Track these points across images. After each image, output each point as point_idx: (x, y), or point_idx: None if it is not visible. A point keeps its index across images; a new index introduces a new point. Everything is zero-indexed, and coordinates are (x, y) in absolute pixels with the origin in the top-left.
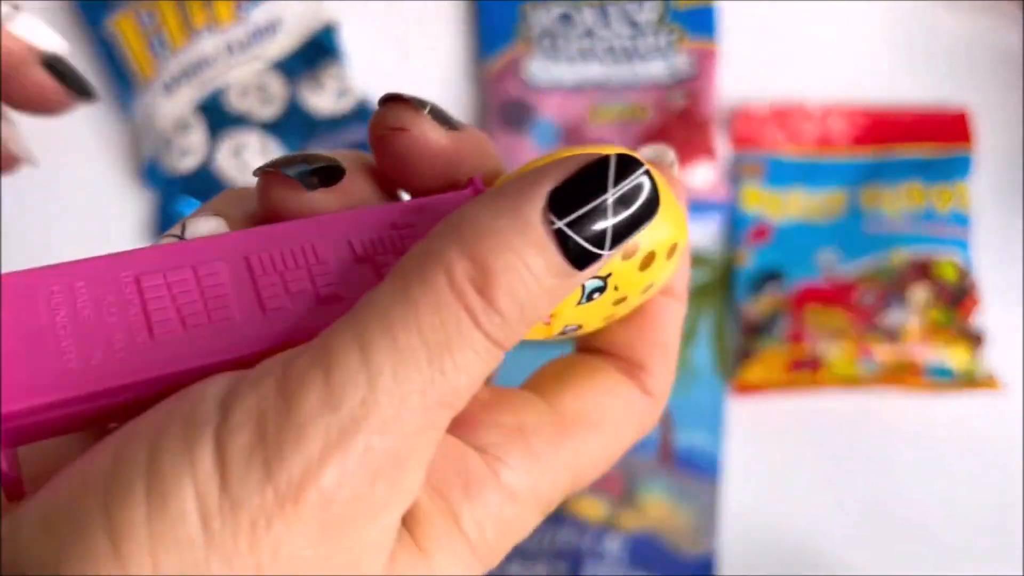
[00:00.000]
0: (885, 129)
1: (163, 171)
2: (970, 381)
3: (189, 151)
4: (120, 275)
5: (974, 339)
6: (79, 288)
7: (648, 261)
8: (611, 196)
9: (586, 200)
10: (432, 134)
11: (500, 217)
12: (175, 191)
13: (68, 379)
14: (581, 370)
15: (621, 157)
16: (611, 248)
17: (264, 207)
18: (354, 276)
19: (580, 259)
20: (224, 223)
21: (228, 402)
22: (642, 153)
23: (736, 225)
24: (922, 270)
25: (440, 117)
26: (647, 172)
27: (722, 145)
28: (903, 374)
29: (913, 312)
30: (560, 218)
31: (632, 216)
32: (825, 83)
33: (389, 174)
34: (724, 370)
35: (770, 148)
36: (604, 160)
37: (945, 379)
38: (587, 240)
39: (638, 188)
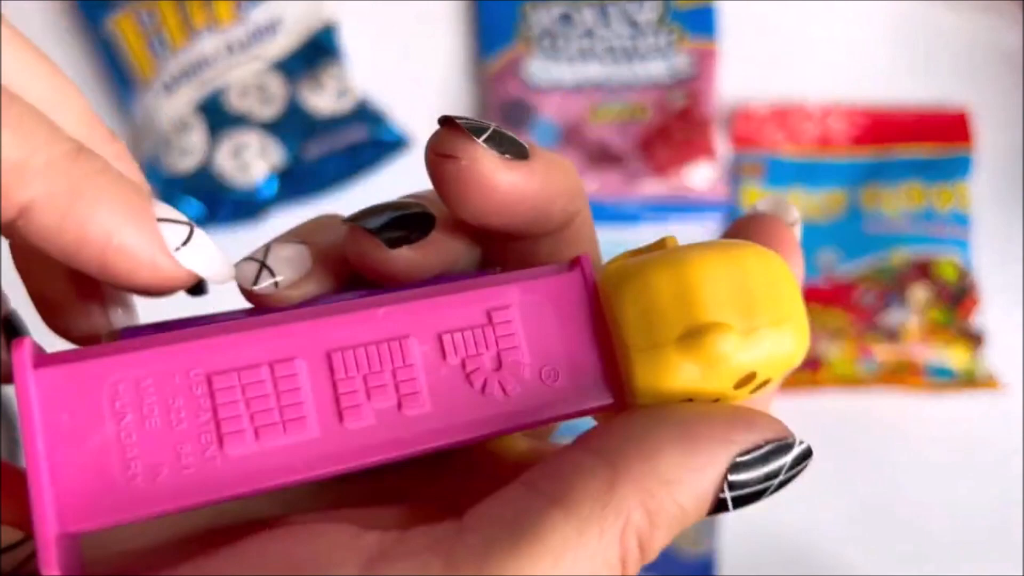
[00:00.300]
0: (885, 129)
1: (163, 171)
2: (970, 381)
3: (189, 151)
4: (191, 370)
5: (974, 339)
6: (146, 386)
7: (762, 386)
8: (777, 483)
9: (758, 483)
10: (488, 165)
11: (686, 476)
12: (175, 191)
13: (133, 500)
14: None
15: (804, 451)
16: (736, 508)
17: (350, 259)
18: (443, 384)
19: (723, 510)
20: (308, 251)
21: None
22: (761, 206)
23: None
24: (922, 270)
25: (502, 143)
26: (808, 454)
27: (722, 145)
28: (903, 374)
29: (913, 312)
30: (731, 490)
31: (776, 489)
32: (825, 83)
33: (456, 211)
34: None
35: (770, 148)
36: (789, 446)
37: (945, 379)
38: (751, 499)
39: (798, 472)
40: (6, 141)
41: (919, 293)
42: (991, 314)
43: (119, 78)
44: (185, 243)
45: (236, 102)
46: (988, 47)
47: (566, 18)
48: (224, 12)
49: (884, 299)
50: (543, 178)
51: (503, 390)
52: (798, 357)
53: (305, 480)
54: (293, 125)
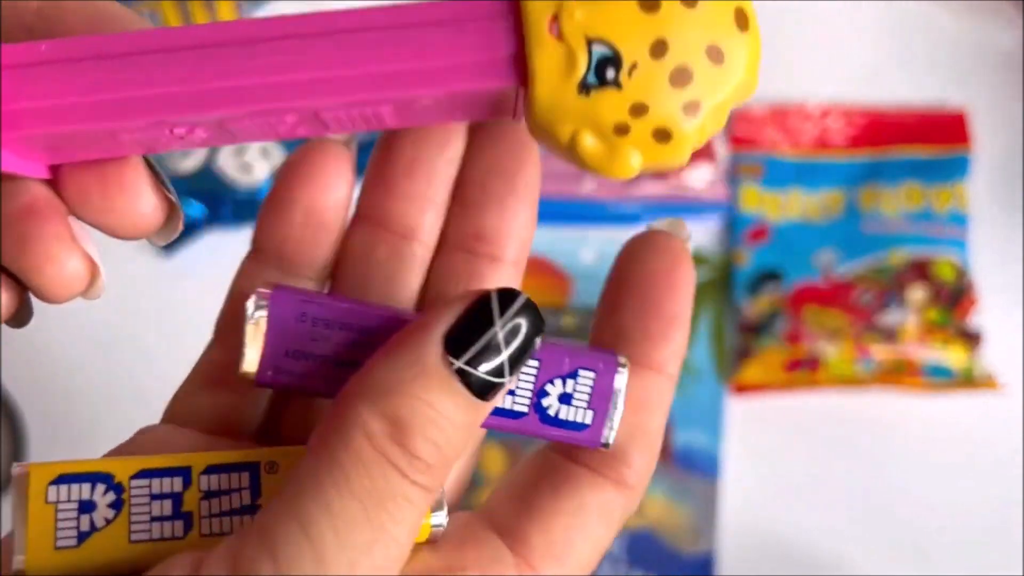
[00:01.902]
0: (883, 130)
1: (165, 172)
2: (968, 381)
3: (191, 152)
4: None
5: (972, 339)
6: None
7: (683, 78)
8: (500, 330)
9: (478, 338)
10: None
11: (403, 369)
12: (177, 192)
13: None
14: (548, 488)
15: (501, 293)
16: (511, 374)
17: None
18: None
19: (484, 390)
20: None
21: None
22: (655, 226)
23: (735, 225)
24: (920, 270)
25: None
26: (526, 302)
27: (721, 145)
28: (901, 374)
29: (911, 312)
30: (458, 358)
31: (523, 343)
32: (824, 84)
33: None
34: (723, 370)
35: (769, 148)
36: (487, 297)
37: (943, 379)
38: (488, 373)
39: (523, 315)
40: None
41: (917, 293)
42: (989, 314)
43: None
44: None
45: None
46: (987, 48)
47: None
48: (225, 14)
49: (882, 299)
50: None
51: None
52: None
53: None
54: None
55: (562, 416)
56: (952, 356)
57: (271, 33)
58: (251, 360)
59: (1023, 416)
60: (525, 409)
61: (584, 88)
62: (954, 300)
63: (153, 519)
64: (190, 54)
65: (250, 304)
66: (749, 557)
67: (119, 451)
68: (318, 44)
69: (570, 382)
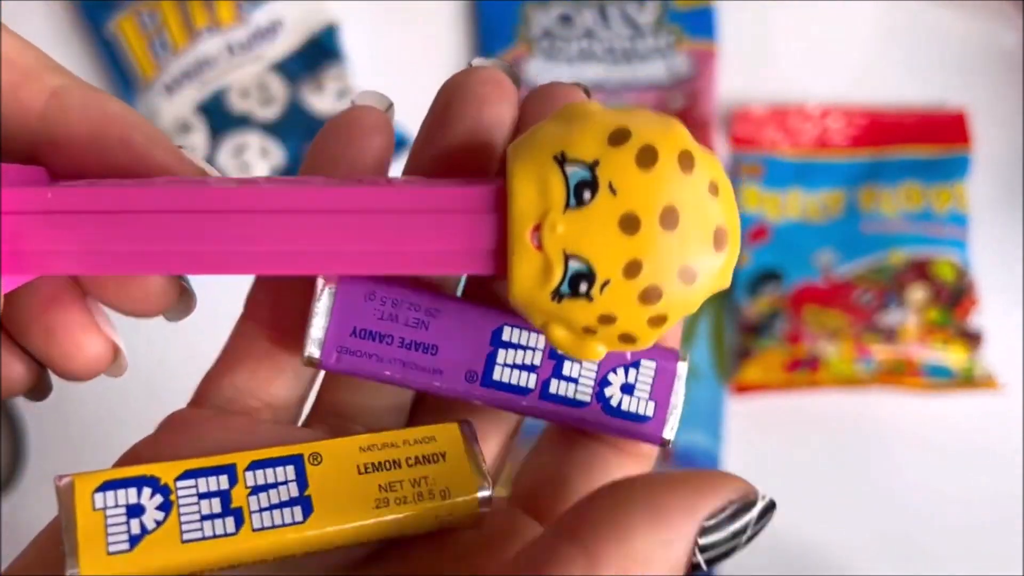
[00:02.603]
0: (883, 130)
1: None
2: (968, 381)
3: (191, 151)
4: None
5: (972, 339)
6: None
7: (648, 158)
8: (745, 539)
9: (727, 542)
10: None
11: (658, 551)
12: None
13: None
14: (578, 471)
15: (767, 505)
16: (709, 568)
17: None
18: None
19: (693, 569)
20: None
21: None
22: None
23: None
24: (920, 270)
25: None
26: (770, 506)
27: (721, 146)
28: (901, 374)
29: (911, 312)
30: (703, 553)
31: (748, 541)
32: (824, 84)
33: None
34: (723, 370)
35: (769, 149)
36: (752, 503)
37: (943, 379)
38: (707, 565)
39: (766, 522)
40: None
41: (917, 293)
42: (989, 314)
43: (121, 79)
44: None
45: (237, 103)
46: (987, 48)
47: (566, 19)
48: (225, 13)
49: (882, 299)
50: None
51: (372, 183)
52: (677, 129)
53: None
54: (294, 126)
55: (624, 407)
56: (952, 356)
57: (271, 205)
58: (316, 339)
59: (1023, 416)
60: (588, 399)
61: (557, 296)
62: (954, 300)
63: (203, 517)
64: (193, 217)
65: (319, 282)
66: (749, 558)
67: (156, 441)
68: (316, 220)
69: (632, 371)
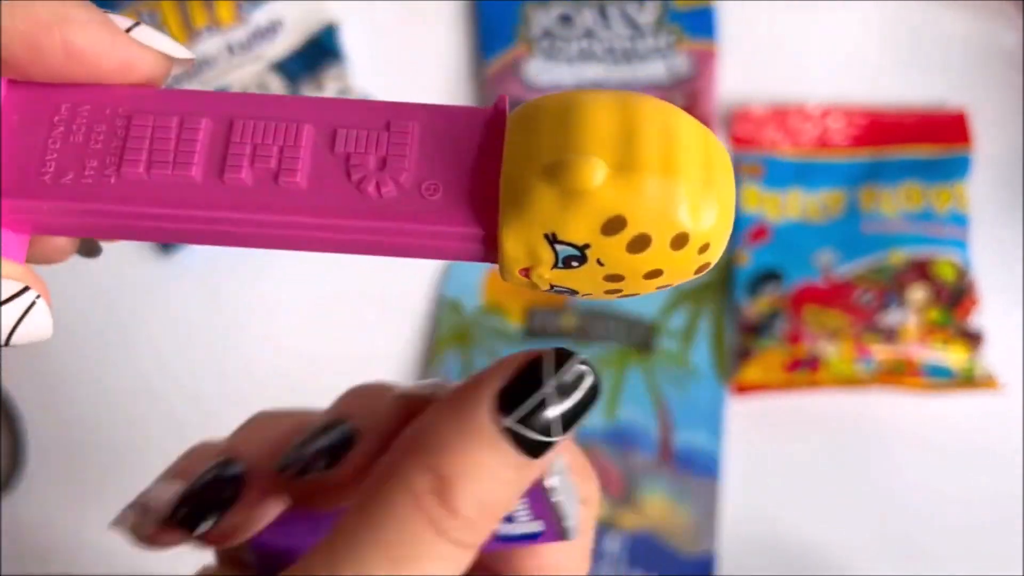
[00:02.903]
0: (884, 130)
1: None
2: (969, 381)
3: (146, 32)
4: (120, 107)
5: (972, 339)
6: (82, 111)
7: (640, 245)
8: (551, 391)
9: (528, 397)
10: None
11: (453, 427)
12: None
13: (36, 190)
14: None
15: (558, 352)
16: (564, 433)
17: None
18: (322, 169)
19: (534, 449)
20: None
21: None
22: None
23: (735, 225)
24: (920, 270)
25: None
26: (584, 362)
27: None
28: (901, 374)
29: (911, 312)
30: (507, 416)
31: (577, 405)
32: (824, 83)
33: None
34: (723, 370)
35: (769, 148)
36: (539, 357)
37: (944, 379)
38: (537, 431)
39: (578, 377)
40: None
41: (918, 293)
42: (990, 314)
43: None
44: (131, 28)
45: None
46: (987, 47)
47: (566, 19)
48: (225, 13)
49: (883, 299)
50: None
51: (378, 189)
52: (692, 216)
53: (176, 220)
54: None
55: (516, 532)
56: (952, 356)
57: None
58: None
59: (1022, 416)
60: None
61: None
62: (954, 300)
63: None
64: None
65: None
66: (749, 558)
67: None
68: (303, 227)
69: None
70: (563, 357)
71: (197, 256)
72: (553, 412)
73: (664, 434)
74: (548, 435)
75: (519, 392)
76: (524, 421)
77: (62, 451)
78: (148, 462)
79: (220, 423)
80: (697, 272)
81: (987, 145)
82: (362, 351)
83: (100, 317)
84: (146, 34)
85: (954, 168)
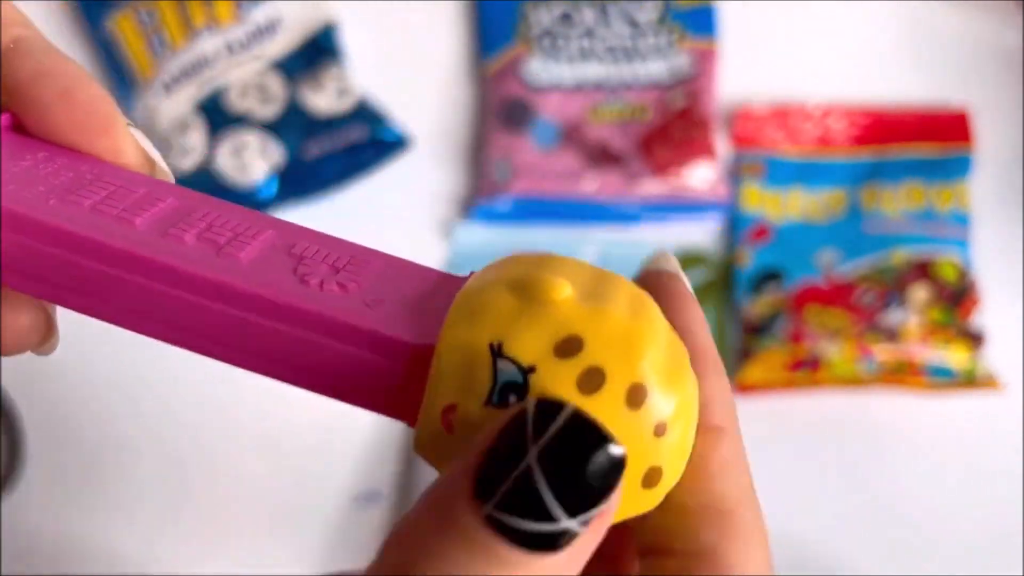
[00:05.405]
0: (885, 129)
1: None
2: (970, 381)
3: (189, 151)
4: (94, 170)
5: (974, 339)
6: (59, 160)
7: (592, 382)
8: (533, 456)
9: (508, 472)
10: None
11: (426, 518)
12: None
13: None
14: None
15: (539, 404)
16: (574, 515)
17: None
18: (268, 258)
19: (536, 540)
20: None
21: None
22: (647, 267)
23: (736, 225)
24: (922, 270)
25: None
26: (573, 415)
27: (722, 145)
28: (903, 374)
29: (913, 312)
30: (487, 502)
31: (578, 468)
32: (825, 83)
33: None
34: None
35: (770, 148)
36: (519, 414)
37: (945, 379)
38: (529, 517)
39: (572, 430)
40: None
41: (919, 293)
42: (991, 314)
43: (119, 78)
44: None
45: (236, 102)
46: (988, 47)
47: (566, 18)
48: (224, 12)
49: (884, 299)
50: None
51: (320, 285)
52: (655, 375)
53: (101, 252)
54: (293, 125)
55: None
56: (954, 356)
57: (187, 284)
58: None
59: (1023, 416)
60: None
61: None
62: (956, 300)
63: None
64: (105, 271)
65: None
66: None
67: None
68: (234, 315)
69: None
70: (548, 410)
71: None
72: (543, 487)
73: None
74: (549, 520)
75: (498, 468)
76: (507, 506)
77: (62, 451)
78: (148, 462)
79: (222, 423)
80: (644, 479)
81: (989, 144)
82: None
83: None
84: (140, 136)
85: (956, 167)
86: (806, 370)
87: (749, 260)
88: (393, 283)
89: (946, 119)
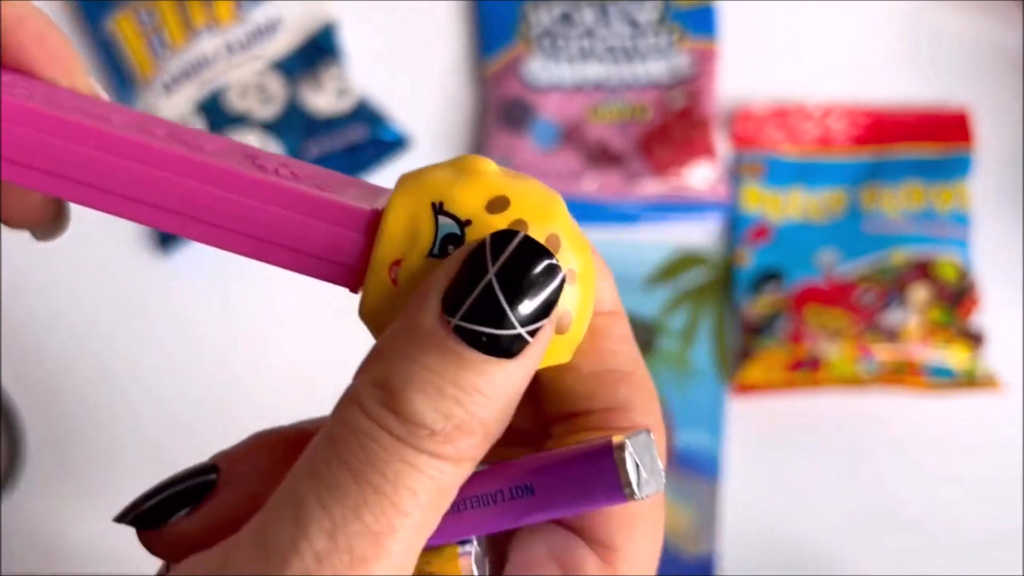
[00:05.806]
0: (885, 129)
1: None
2: (970, 381)
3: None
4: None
5: (974, 339)
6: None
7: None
8: (492, 275)
9: (472, 289)
10: None
11: (400, 336)
12: None
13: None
14: None
15: (495, 234)
16: (528, 323)
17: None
18: (229, 150)
19: (496, 346)
20: None
21: None
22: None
23: (736, 225)
24: (922, 270)
25: None
26: (523, 240)
27: (722, 145)
28: (903, 374)
29: (913, 312)
30: (454, 315)
31: (528, 282)
32: (825, 83)
33: None
34: (724, 370)
35: (770, 148)
36: (480, 244)
37: (945, 379)
38: (491, 325)
39: (523, 252)
40: None
41: (919, 293)
42: (991, 314)
43: (119, 78)
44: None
45: (236, 102)
46: (988, 47)
47: (566, 18)
48: (224, 12)
49: (884, 299)
50: None
51: (276, 171)
52: (554, 210)
53: (80, 133)
54: (293, 125)
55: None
56: (954, 356)
57: (160, 163)
58: None
59: (1023, 416)
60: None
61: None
62: (956, 300)
63: None
64: (93, 153)
65: None
66: (750, 558)
67: None
68: (199, 189)
69: None
70: (500, 239)
71: (197, 255)
72: (501, 301)
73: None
74: (506, 327)
75: (463, 287)
76: (472, 316)
77: (62, 451)
78: (148, 462)
79: (222, 423)
80: (559, 323)
81: (989, 144)
82: (363, 350)
83: (100, 317)
84: (100, 90)
85: (955, 167)
86: (806, 370)
87: (749, 260)
88: (335, 180)
89: (946, 119)
